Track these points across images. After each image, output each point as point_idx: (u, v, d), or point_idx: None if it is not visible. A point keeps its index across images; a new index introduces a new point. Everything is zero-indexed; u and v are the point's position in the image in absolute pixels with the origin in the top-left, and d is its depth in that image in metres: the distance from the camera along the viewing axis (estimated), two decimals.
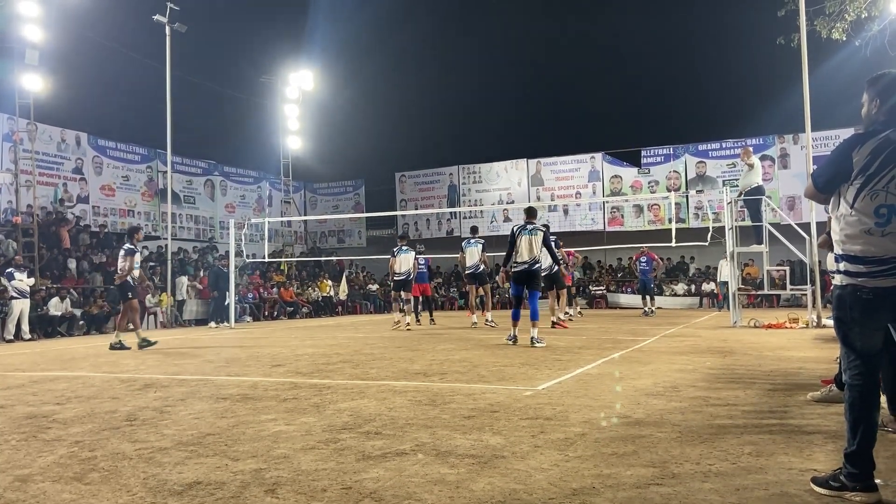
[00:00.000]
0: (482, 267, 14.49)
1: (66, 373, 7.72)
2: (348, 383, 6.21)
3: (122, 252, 11.04)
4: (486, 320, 14.15)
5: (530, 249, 9.56)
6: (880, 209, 2.87)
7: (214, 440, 4.02)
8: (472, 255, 14.40)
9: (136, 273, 11.22)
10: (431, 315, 16.33)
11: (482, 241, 14.77)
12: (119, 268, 11.00)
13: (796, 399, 4.99)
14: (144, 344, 10.49)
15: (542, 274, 12.82)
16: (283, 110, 27.78)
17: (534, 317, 9.47)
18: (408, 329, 13.70)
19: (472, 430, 4.14)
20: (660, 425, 4.17)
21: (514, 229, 9.79)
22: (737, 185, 14.00)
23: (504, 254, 9.84)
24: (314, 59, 28.11)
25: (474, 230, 15.40)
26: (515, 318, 9.96)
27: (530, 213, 10.04)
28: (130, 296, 10.86)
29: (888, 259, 2.85)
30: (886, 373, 3.81)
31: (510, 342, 9.67)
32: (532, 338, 9.26)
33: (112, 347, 10.49)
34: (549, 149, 28.46)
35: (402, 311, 14.27)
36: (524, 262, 9.58)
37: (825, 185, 3.08)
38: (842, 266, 2.99)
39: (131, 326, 10.95)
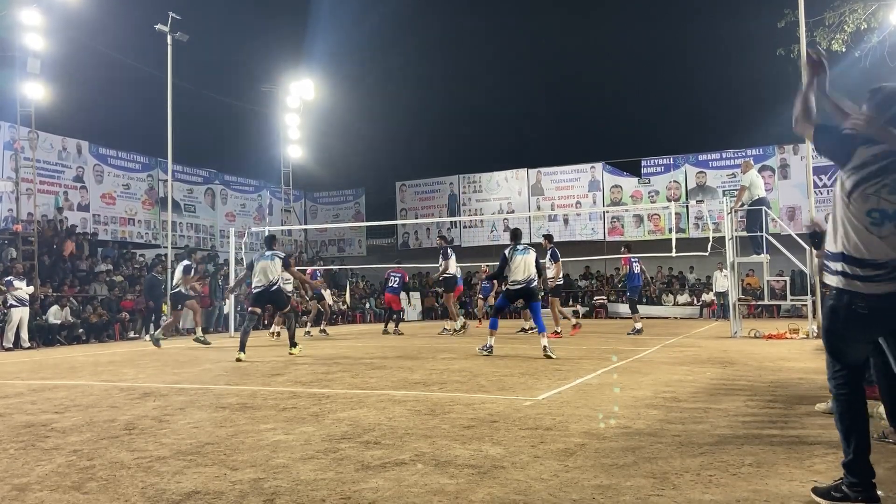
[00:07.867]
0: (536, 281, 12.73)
1: (65, 381, 7.70)
2: (348, 392, 6.19)
3: (282, 264, 11.26)
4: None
5: (526, 269, 9.69)
6: (872, 213, 2.88)
7: (213, 449, 4.01)
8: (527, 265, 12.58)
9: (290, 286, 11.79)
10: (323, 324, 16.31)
11: (532, 248, 12.95)
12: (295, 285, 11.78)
13: (797, 410, 4.98)
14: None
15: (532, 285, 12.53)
16: (283, 119, 27.86)
17: (541, 329, 9.50)
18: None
19: (472, 440, 4.12)
20: (660, 436, 4.16)
21: (507, 251, 9.90)
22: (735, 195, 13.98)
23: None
24: (315, 68, 28.22)
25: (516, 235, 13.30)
26: (494, 327, 9.86)
27: (516, 235, 10.15)
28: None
29: (883, 263, 2.85)
30: (883, 385, 3.80)
31: (485, 352, 9.50)
32: (544, 347, 9.14)
33: (293, 345, 10.88)
34: (549, 158, 28.52)
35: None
36: (521, 282, 9.67)
37: (821, 142, 3.12)
38: (839, 266, 2.95)
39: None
